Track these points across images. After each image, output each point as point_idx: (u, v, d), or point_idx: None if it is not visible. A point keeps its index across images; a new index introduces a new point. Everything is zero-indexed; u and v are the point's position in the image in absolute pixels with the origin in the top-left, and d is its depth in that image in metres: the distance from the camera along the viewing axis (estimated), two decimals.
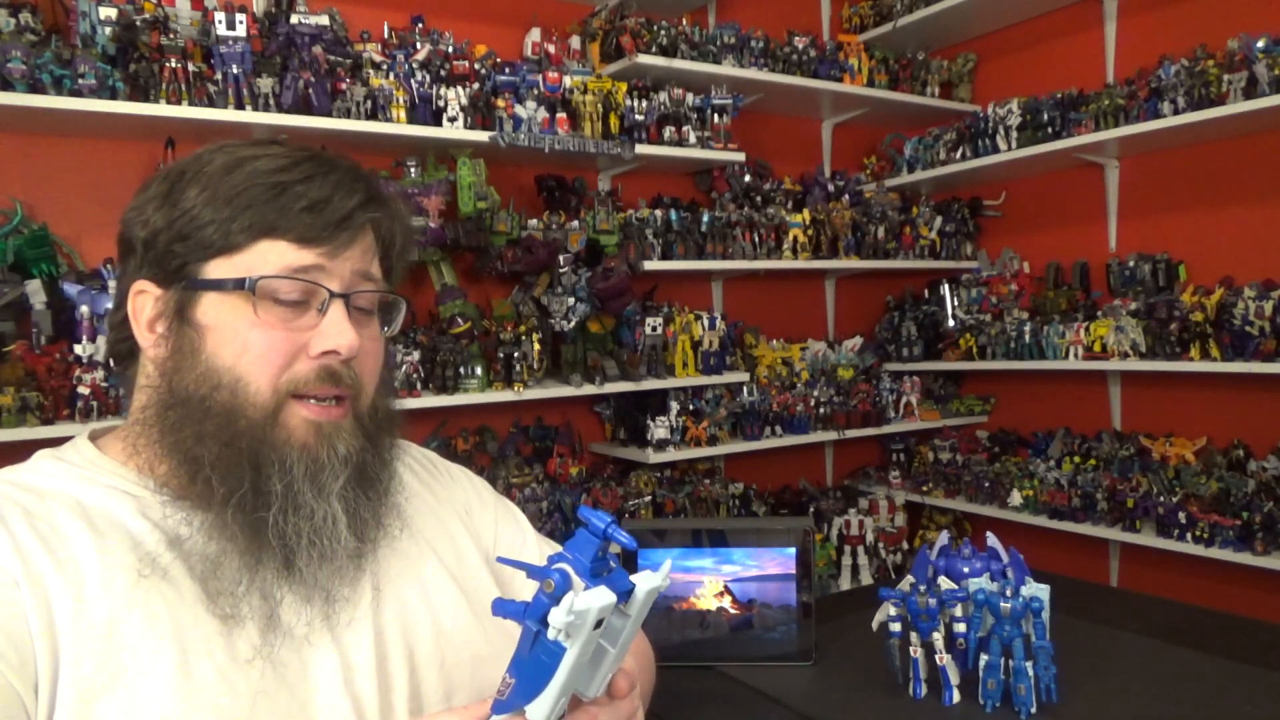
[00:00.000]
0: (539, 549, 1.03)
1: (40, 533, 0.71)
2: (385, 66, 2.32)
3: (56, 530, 0.71)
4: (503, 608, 0.64)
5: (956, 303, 3.33)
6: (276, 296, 0.75)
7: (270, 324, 0.75)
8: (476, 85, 2.43)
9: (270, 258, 0.75)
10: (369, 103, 2.26)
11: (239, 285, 0.74)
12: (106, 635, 0.68)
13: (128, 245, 0.79)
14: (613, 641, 0.66)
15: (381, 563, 0.83)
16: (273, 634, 0.74)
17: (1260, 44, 2.39)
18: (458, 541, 0.92)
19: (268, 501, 0.74)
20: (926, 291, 3.47)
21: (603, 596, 0.62)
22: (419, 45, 2.44)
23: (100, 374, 1.90)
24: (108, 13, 1.99)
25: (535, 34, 2.75)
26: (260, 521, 0.73)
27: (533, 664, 0.62)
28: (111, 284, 1.98)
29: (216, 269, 0.75)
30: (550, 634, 0.61)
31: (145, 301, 0.78)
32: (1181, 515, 2.49)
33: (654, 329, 2.68)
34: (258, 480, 0.74)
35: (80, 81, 1.91)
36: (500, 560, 0.77)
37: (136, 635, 0.69)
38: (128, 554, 0.72)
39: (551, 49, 2.69)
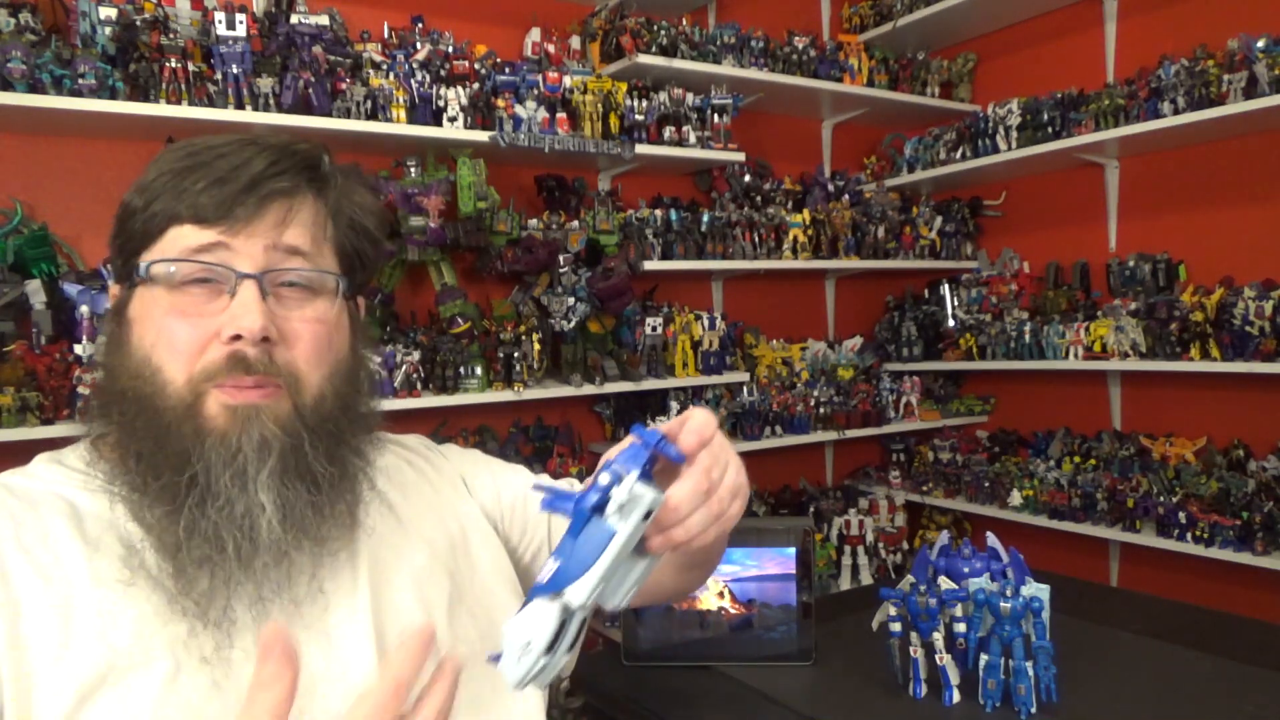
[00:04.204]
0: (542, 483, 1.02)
1: (24, 543, 0.70)
2: (385, 66, 2.32)
3: (46, 539, 0.71)
4: (552, 503, 0.65)
5: (956, 303, 3.33)
6: (182, 281, 0.74)
7: (182, 310, 0.74)
8: (476, 85, 2.43)
9: (178, 242, 0.74)
10: (369, 103, 2.26)
11: (143, 272, 0.75)
12: (96, 644, 0.67)
13: (108, 257, 0.83)
14: (643, 553, 0.66)
15: (375, 558, 0.82)
16: (250, 636, 0.72)
17: (1260, 44, 2.39)
18: (453, 532, 0.91)
19: (189, 495, 0.71)
20: (926, 291, 3.47)
21: (655, 490, 0.64)
22: (419, 45, 2.44)
23: (100, 374, 1.90)
24: (108, 13, 1.99)
25: (535, 34, 2.75)
26: (189, 516, 0.71)
27: (581, 547, 0.62)
28: (111, 284, 1.98)
29: (143, 262, 0.76)
30: (610, 509, 0.62)
31: (115, 303, 0.80)
32: (1181, 515, 2.49)
33: (654, 329, 2.68)
34: (180, 473, 0.71)
35: (80, 81, 1.91)
36: (539, 491, 0.71)
37: (124, 644, 0.68)
38: (116, 561, 0.71)
39: (551, 49, 2.69)
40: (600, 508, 0.63)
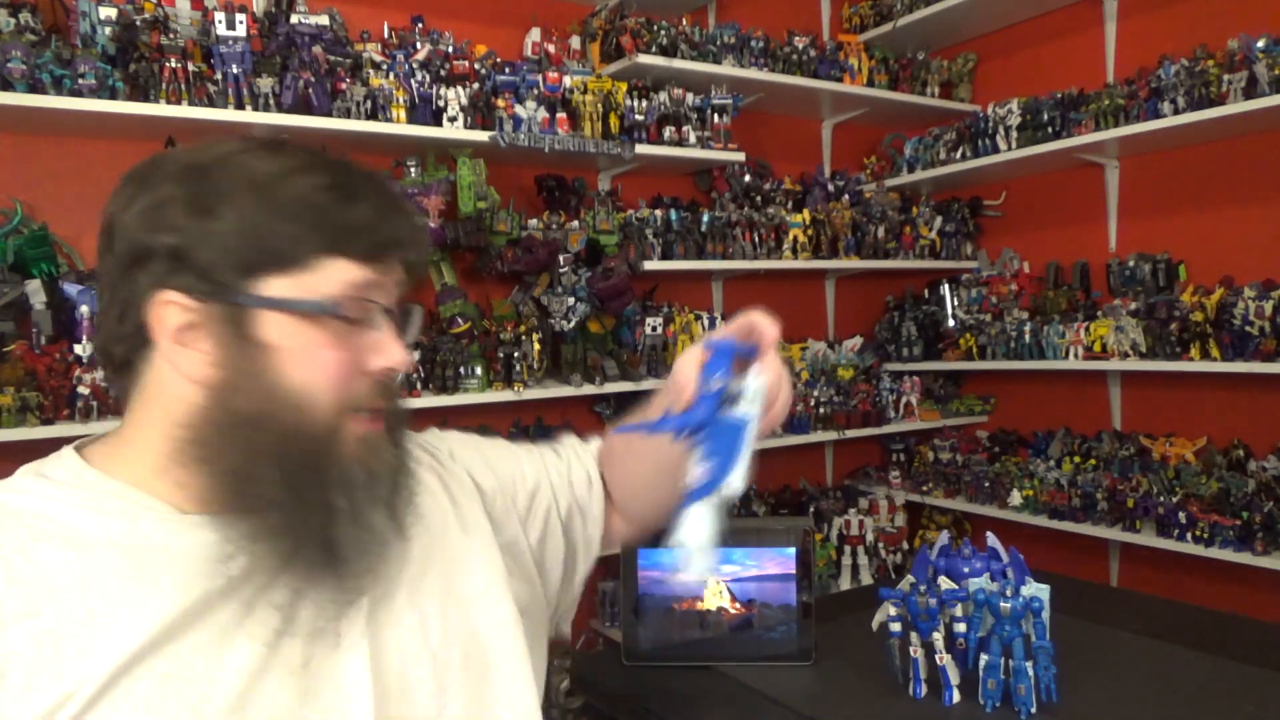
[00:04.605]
0: (527, 450, 1.05)
1: (11, 565, 0.68)
2: (385, 66, 2.32)
3: (29, 556, 0.69)
4: (681, 421, 0.75)
5: (956, 303, 3.33)
6: (343, 315, 0.75)
7: (336, 344, 0.74)
8: (476, 85, 2.43)
9: (335, 276, 0.74)
10: (369, 103, 2.26)
11: (320, 308, 0.73)
12: (112, 669, 0.66)
13: (142, 251, 0.73)
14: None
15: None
16: (310, 645, 0.74)
17: (1260, 44, 2.39)
18: (445, 529, 0.91)
19: (329, 517, 0.74)
20: (926, 291, 3.47)
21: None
22: (419, 45, 2.44)
23: (100, 374, 1.90)
24: (108, 13, 1.99)
25: (535, 34, 2.75)
26: (322, 537, 0.74)
27: (725, 441, 0.73)
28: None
29: (279, 286, 0.72)
30: (743, 401, 0.75)
31: (172, 312, 0.73)
32: (1181, 515, 2.49)
33: (654, 329, 2.68)
34: (321, 496, 0.74)
35: (80, 81, 1.91)
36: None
37: (148, 659, 0.68)
38: (137, 585, 0.70)
39: (551, 49, 2.69)
40: (720, 407, 0.75)
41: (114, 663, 0.67)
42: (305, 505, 0.73)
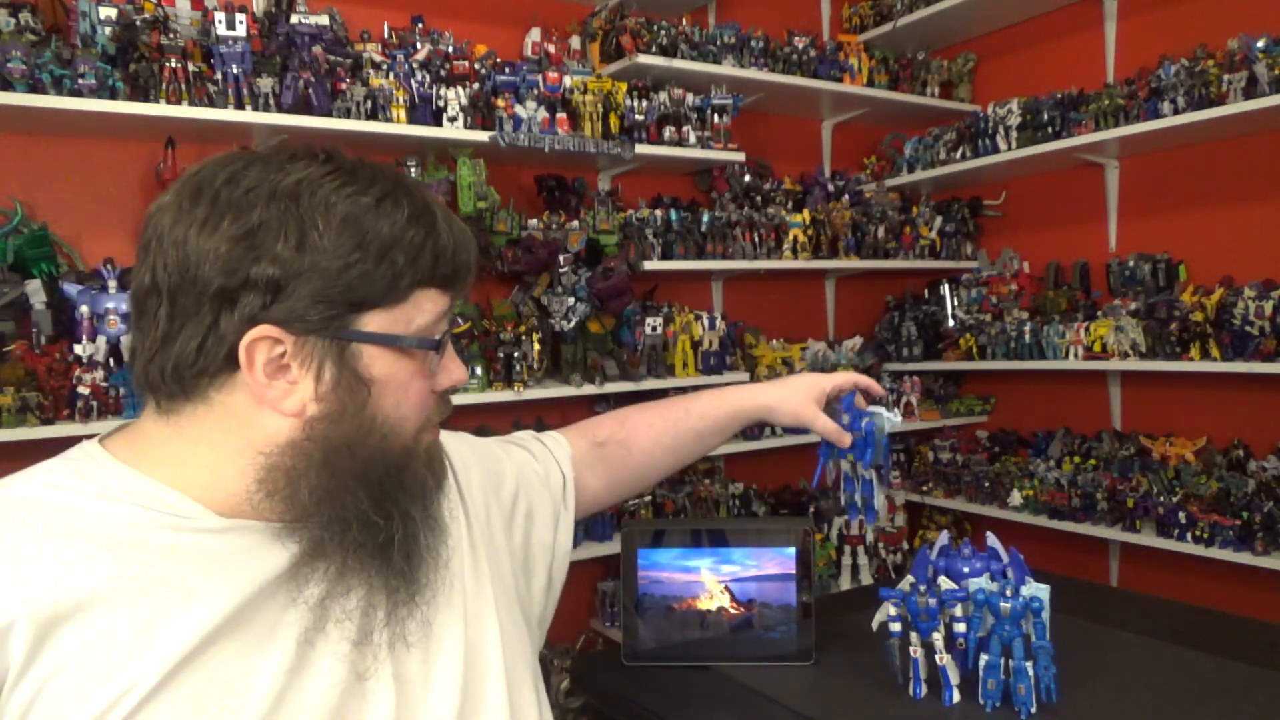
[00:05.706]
0: (505, 450, 1.08)
1: (70, 580, 0.67)
2: (385, 66, 2.32)
3: (95, 574, 0.68)
4: (843, 450, 1.21)
5: (956, 303, 3.33)
6: (435, 345, 0.77)
7: (422, 372, 0.77)
8: (476, 85, 2.43)
9: (425, 306, 0.75)
10: (369, 103, 2.26)
11: (422, 343, 0.75)
12: (165, 670, 0.66)
13: (239, 281, 0.68)
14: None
15: None
16: (382, 649, 0.76)
17: (1260, 44, 2.39)
18: (464, 545, 0.92)
19: (409, 528, 0.76)
20: (926, 291, 3.47)
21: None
22: (419, 45, 2.44)
23: (100, 374, 1.90)
24: (108, 13, 1.99)
25: (535, 34, 2.75)
26: (404, 548, 0.76)
27: (885, 454, 1.20)
28: (112, 283, 1.97)
29: (378, 320, 0.73)
30: (887, 428, 1.19)
31: (267, 345, 0.70)
32: (1181, 515, 2.49)
33: (654, 329, 2.68)
34: (403, 509, 0.76)
35: (80, 81, 1.91)
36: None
37: (198, 658, 0.68)
38: (188, 588, 0.69)
39: (551, 49, 2.69)
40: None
41: (166, 664, 0.66)
42: (388, 519, 0.74)
